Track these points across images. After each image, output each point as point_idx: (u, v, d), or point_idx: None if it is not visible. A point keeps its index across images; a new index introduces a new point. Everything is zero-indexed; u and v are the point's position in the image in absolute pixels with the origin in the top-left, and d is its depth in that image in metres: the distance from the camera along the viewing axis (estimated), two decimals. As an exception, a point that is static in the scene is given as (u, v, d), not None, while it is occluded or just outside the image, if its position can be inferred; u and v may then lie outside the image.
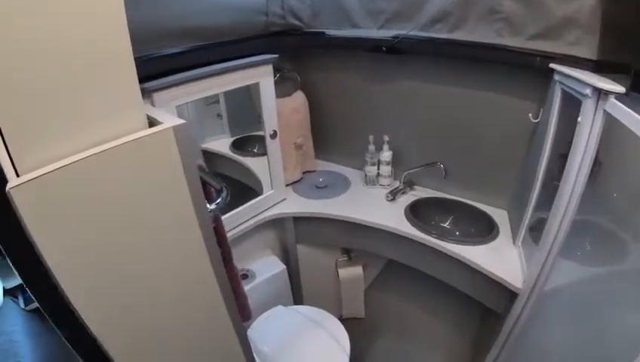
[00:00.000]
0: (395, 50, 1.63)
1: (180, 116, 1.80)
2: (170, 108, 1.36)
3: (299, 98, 1.96)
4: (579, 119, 1.09)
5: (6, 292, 1.18)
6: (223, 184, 0.97)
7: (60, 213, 0.62)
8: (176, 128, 0.75)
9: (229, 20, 1.56)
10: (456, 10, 1.43)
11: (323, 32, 1.80)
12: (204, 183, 1.01)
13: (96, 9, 0.64)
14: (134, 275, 0.76)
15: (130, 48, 0.69)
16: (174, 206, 0.79)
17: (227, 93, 1.92)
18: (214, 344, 1.05)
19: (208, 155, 2.03)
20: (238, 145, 2.06)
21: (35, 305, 1.15)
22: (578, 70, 1.16)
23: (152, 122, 0.76)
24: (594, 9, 1.16)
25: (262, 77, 1.63)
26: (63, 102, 0.63)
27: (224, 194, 0.95)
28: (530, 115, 1.46)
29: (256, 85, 1.64)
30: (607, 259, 1.10)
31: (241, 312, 1.39)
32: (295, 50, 1.95)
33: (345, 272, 2.07)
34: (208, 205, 0.89)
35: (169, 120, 0.77)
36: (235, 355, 1.14)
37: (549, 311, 1.28)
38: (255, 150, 2.02)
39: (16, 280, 1.18)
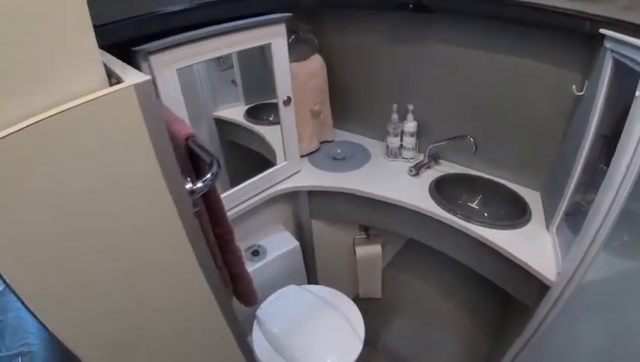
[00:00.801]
0: (423, 9, 1.44)
1: (191, 82, 1.72)
2: (171, 72, 1.24)
3: (316, 62, 1.80)
4: (637, 93, 0.91)
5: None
6: (215, 158, 0.84)
7: (7, 187, 0.52)
8: (138, 86, 0.61)
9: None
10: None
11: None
12: (194, 156, 0.90)
13: None
14: (94, 249, 0.66)
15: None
16: (139, 175, 0.67)
17: (242, 59, 1.80)
18: (198, 329, 0.95)
19: (221, 124, 1.92)
20: (253, 114, 1.94)
21: None
22: (631, 37, 0.97)
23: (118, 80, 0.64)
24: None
25: (274, 37, 1.47)
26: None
27: (214, 169, 0.83)
28: (573, 87, 1.27)
29: (269, 49, 1.49)
30: None
31: (244, 298, 1.30)
32: (312, 9, 1.77)
33: (362, 250, 1.95)
34: (191, 185, 0.78)
35: (132, 76, 0.64)
36: (226, 342, 1.05)
37: (584, 308, 1.15)
38: (270, 118, 1.89)
39: None
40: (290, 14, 1.47)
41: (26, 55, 0.54)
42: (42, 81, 0.56)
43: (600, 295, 1.11)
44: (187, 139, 0.86)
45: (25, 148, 0.53)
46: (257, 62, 1.76)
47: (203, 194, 0.88)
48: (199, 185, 0.80)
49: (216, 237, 1.07)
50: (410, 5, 1.45)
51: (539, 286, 1.29)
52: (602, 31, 1.09)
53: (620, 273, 1.07)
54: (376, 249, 1.96)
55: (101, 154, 0.61)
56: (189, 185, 0.78)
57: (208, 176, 0.82)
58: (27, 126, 0.52)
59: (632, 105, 0.93)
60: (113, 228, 0.66)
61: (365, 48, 1.80)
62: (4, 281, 0.55)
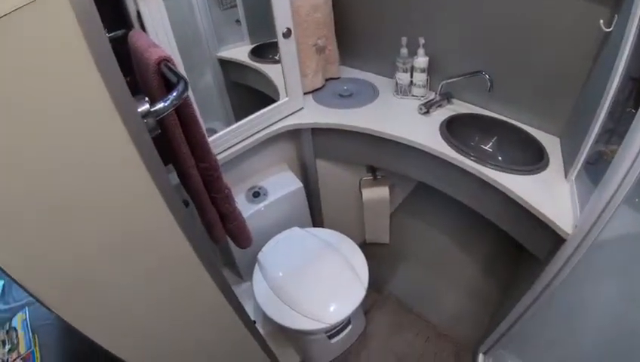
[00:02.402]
0: None
1: (192, 23, 1.64)
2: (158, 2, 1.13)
3: (319, -7, 1.65)
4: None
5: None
6: (184, 78, 0.76)
7: None
8: None
9: None
10: None
11: None
12: (163, 77, 0.82)
13: None
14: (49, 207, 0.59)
15: None
16: (77, 90, 0.57)
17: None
18: (188, 298, 0.91)
19: (225, 65, 1.85)
20: (258, 53, 1.84)
21: None
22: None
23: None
24: None
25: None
26: None
27: (180, 87, 0.74)
28: (601, 21, 1.13)
29: None
30: None
31: (237, 239, 1.26)
32: None
33: (369, 193, 1.89)
34: (148, 105, 0.70)
35: None
36: (220, 310, 1.02)
37: (600, 267, 1.08)
38: (276, 57, 1.78)
39: None
40: None
41: None
42: None
43: (619, 254, 1.04)
44: (159, 63, 0.78)
45: None
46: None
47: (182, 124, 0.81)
48: (159, 105, 0.72)
49: (200, 174, 1.01)
50: None
51: (553, 239, 1.21)
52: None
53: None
54: (383, 191, 1.89)
55: (34, 63, 0.52)
56: (145, 107, 0.69)
57: (171, 95, 0.74)
58: None
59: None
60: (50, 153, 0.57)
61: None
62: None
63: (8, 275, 0.56)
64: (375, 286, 1.51)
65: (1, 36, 0.47)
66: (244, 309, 1.11)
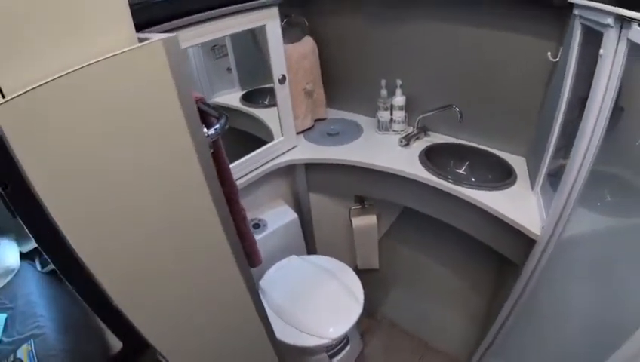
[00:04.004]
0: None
1: (188, 71, 1.81)
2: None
3: (308, 43, 1.88)
4: (600, 51, 1.00)
5: (23, 256, 1.20)
6: (223, 112, 0.94)
7: (46, 135, 0.59)
8: (166, 41, 0.71)
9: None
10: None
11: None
12: (203, 113, 0.98)
13: None
14: (126, 205, 0.74)
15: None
16: (166, 127, 0.76)
17: (236, 47, 1.90)
18: (218, 286, 1.04)
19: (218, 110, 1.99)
20: (249, 98, 2.03)
21: (51, 267, 1.16)
22: (596, 2, 1.06)
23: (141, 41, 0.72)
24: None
25: (267, 20, 1.56)
26: (44, 18, 0.59)
27: (223, 120, 0.93)
28: (549, 53, 1.36)
29: (263, 31, 1.58)
30: (627, 211, 1.03)
31: (250, 258, 1.39)
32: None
33: (358, 221, 2.05)
34: (206, 130, 0.87)
35: (158, 35, 0.73)
36: (243, 302, 1.14)
37: (568, 261, 1.23)
38: (266, 102, 1.98)
39: (33, 244, 1.20)
40: (283, -2, 1.55)
41: (76, 12, 0.63)
42: (91, 33, 0.65)
43: (586, 250, 1.17)
44: (197, 101, 0.95)
45: (69, 92, 0.60)
46: (251, 49, 1.85)
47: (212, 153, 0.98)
48: (211, 131, 0.90)
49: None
50: (396, -16, 1.54)
51: (526, 242, 1.38)
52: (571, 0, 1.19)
53: (601, 230, 1.14)
54: (371, 219, 2.05)
55: (133, 99, 0.69)
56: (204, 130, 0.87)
57: (218, 124, 0.92)
58: (74, 70, 0.60)
59: (597, 64, 1.02)
60: (138, 164, 0.74)
61: (354, 28, 1.88)
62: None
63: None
64: (368, 311, 1.62)
65: (120, 70, 0.66)
66: (262, 305, 1.23)
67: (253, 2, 1.47)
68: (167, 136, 0.77)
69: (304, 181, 1.94)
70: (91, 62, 0.62)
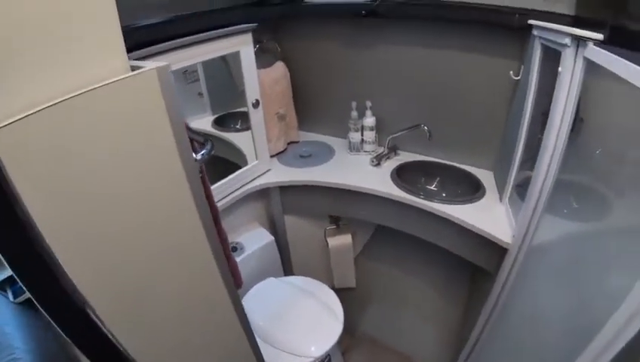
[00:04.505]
0: (375, 14, 1.61)
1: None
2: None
3: (279, 68, 1.94)
4: (559, 69, 1.09)
5: (-7, 287, 1.16)
6: (208, 138, 0.97)
7: (41, 160, 0.60)
8: (159, 70, 0.73)
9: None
10: (434, -29, 1.43)
11: (302, 0, 1.77)
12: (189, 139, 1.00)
13: None
14: (120, 229, 0.75)
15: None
16: (158, 153, 0.78)
17: (207, 71, 1.91)
18: (206, 308, 1.04)
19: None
20: (221, 123, 2.04)
21: (25, 296, 1.13)
22: (553, 24, 1.16)
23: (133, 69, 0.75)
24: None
25: (242, 46, 1.60)
26: (39, 45, 0.61)
27: (209, 146, 0.96)
28: (511, 72, 1.47)
29: (236, 56, 1.62)
30: (591, 216, 1.11)
31: (234, 278, 1.39)
32: (274, 20, 1.91)
33: (334, 241, 2.08)
34: (193, 155, 0.89)
35: (151, 64, 0.75)
36: (229, 322, 1.14)
37: (538, 267, 1.30)
38: (238, 126, 2.01)
39: (4, 273, 1.16)
40: (256, 24, 1.60)
41: (71, 40, 0.64)
42: (85, 62, 0.67)
43: (555, 255, 1.24)
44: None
45: (63, 119, 0.62)
46: (222, 74, 1.88)
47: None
48: (199, 156, 0.92)
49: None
50: (364, 12, 1.62)
51: (498, 251, 1.45)
52: (530, 21, 1.29)
53: (569, 235, 1.20)
54: (347, 239, 2.08)
55: (127, 125, 0.71)
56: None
57: (205, 150, 0.95)
58: (68, 98, 0.61)
59: (557, 81, 1.12)
60: (130, 188, 0.75)
61: (325, 53, 1.95)
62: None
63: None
64: (348, 329, 1.64)
65: (115, 98, 0.68)
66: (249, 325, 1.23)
67: (228, 29, 1.51)
68: (160, 162, 0.79)
69: (279, 203, 1.96)
70: (85, 90, 0.63)
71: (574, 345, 0.99)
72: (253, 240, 1.89)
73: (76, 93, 0.62)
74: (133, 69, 0.74)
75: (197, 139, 0.98)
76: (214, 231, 0.98)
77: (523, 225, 1.31)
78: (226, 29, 1.51)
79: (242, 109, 1.77)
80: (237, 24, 1.56)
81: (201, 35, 1.43)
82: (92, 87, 0.64)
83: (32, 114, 0.57)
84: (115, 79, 0.67)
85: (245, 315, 1.19)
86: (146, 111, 0.74)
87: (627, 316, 0.71)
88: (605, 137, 1.07)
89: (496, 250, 1.45)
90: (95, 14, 0.67)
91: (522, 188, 1.47)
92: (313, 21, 1.89)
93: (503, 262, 1.43)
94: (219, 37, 1.50)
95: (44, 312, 0.67)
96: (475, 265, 1.63)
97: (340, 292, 1.85)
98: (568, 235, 1.20)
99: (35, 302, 0.65)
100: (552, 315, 1.20)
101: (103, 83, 0.66)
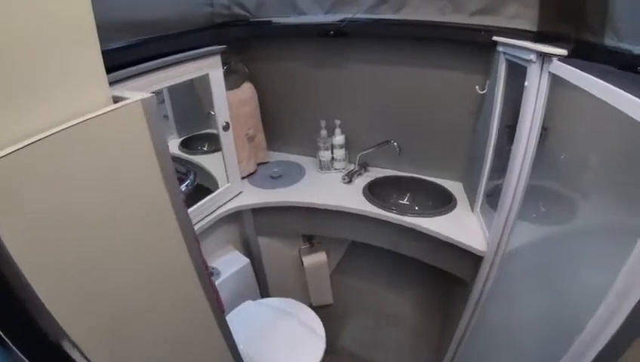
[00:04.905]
0: (343, 34, 1.65)
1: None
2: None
3: (247, 90, 1.93)
4: (526, 83, 1.16)
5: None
6: (190, 168, 0.95)
7: (23, 196, 0.57)
8: (144, 101, 0.72)
9: (175, 12, 1.51)
10: (400, -9, 1.48)
11: (269, 21, 1.79)
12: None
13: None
14: (104, 260, 0.72)
15: (91, 11, 0.66)
16: (145, 184, 0.76)
17: (172, 94, 1.88)
18: (194, 333, 1.02)
19: None
20: (187, 145, 2.00)
21: None
22: (518, 40, 1.23)
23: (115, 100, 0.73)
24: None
25: (211, 68, 1.59)
26: (16, 77, 0.59)
27: (191, 177, 0.94)
28: (477, 87, 1.54)
29: (203, 79, 1.60)
30: (559, 219, 1.17)
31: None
32: (241, 41, 1.91)
33: (309, 259, 2.07)
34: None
35: (135, 94, 0.74)
36: (218, 349, 1.11)
37: (514, 272, 1.35)
38: (205, 148, 1.98)
39: None
40: (225, 46, 1.60)
41: (52, 72, 0.63)
42: (67, 94, 0.65)
43: (528, 259, 1.29)
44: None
45: (48, 154, 0.59)
46: (187, 96, 1.86)
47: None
48: (183, 187, 0.91)
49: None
50: (332, 32, 1.65)
51: (474, 259, 1.50)
52: (495, 38, 1.36)
53: (540, 239, 1.26)
54: (321, 256, 2.08)
55: (112, 158, 0.69)
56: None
57: (188, 180, 0.93)
58: (54, 133, 0.60)
59: (523, 94, 1.18)
60: (117, 222, 0.73)
61: (292, 73, 1.97)
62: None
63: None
64: (328, 345, 1.64)
65: (100, 130, 0.67)
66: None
67: (197, 51, 1.50)
68: (146, 194, 0.77)
69: (252, 225, 1.94)
70: (68, 125, 0.62)
71: (552, 344, 1.04)
72: (228, 264, 1.85)
73: (59, 129, 0.60)
74: (115, 98, 0.73)
75: (179, 170, 0.96)
76: (201, 261, 0.96)
77: (497, 233, 1.36)
78: (194, 51, 1.49)
79: (209, 131, 1.74)
80: (205, 46, 1.55)
81: (170, 58, 1.41)
82: (75, 122, 0.62)
83: (13, 152, 0.54)
84: (99, 113, 0.66)
85: (234, 341, 1.16)
86: (131, 144, 0.72)
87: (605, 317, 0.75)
88: (569, 144, 1.14)
89: (472, 259, 1.50)
90: (75, 41, 0.66)
91: (492, 197, 1.53)
92: (280, 41, 1.91)
93: (479, 270, 1.48)
94: (188, 60, 1.48)
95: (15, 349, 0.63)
96: (450, 274, 1.67)
97: (317, 309, 1.84)
98: (539, 239, 1.26)
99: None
100: (529, 317, 1.25)
101: (86, 118, 0.64)
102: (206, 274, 0.98)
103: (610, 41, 1.10)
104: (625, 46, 1.06)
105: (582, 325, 0.82)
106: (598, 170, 1.01)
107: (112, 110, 0.68)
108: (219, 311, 1.11)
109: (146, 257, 0.80)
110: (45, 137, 0.58)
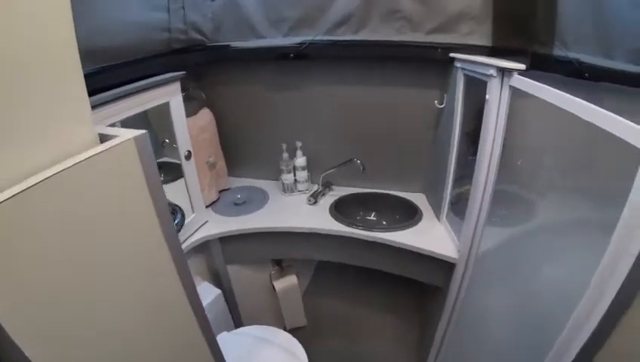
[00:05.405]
0: (303, 56, 1.67)
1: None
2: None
3: (205, 116, 1.90)
4: (487, 97, 1.23)
5: None
6: (177, 207, 0.93)
7: (11, 242, 0.53)
8: (137, 139, 0.70)
9: (132, 39, 1.46)
10: (359, 12, 1.54)
11: (227, 45, 1.78)
12: None
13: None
14: (101, 306, 0.69)
15: (76, 48, 0.64)
16: (139, 223, 0.75)
17: (125, 123, 1.79)
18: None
19: None
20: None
21: None
22: (477, 56, 1.31)
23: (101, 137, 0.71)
24: (484, 3, 1.35)
25: (171, 96, 1.54)
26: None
27: (180, 215, 0.92)
28: (435, 101, 1.61)
29: (160, 107, 1.53)
30: (525, 220, 1.24)
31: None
32: (198, 66, 1.88)
33: (280, 284, 2.04)
34: None
35: (124, 132, 0.72)
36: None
37: (486, 275, 1.40)
38: (161, 178, 1.90)
39: None
40: (184, 72, 1.56)
41: (35, 111, 0.59)
42: (54, 134, 0.62)
43: (496, 260, 1.36)
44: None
45: (44, 198, 0.56)
46: (138, 125, 1.78)
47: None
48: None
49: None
50: (292, 55, 1.67)
51: (446, 268, 1.55)
52: (452, 55, 1.44)
53: (510, 240, 1.32)
54: (292, 279, 2.05)
55: (106, 199, 0.67)
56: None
57: (177, 219, 0.90)
58: (47, 178, 0.56)
59: (485, 107, 1.25)
60: (113, 262, 0.70)
61: (251, 97, 1.96)
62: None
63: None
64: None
65: (92, 171, 0.64)
66: None
67: (159, 77, 1.46)
68: (141, 234, 0.76)
69: (220, 255, 1.88)
70: (63, 167, 0.59)
71: (527, 338, 1.11)
72: (200, 296, 1.77)
73: (49, 174, 0.57)
74: (101, 137, 0.70)
75: None
76: (196, 294, 0.92)
77: (467, 239, 1.42)
78: (155, 78, 1.44)
79: (165, 160, 1.69)
80: (163, 73, 1.51)
81: (130, 87, 1.35)
82: (66, 166, 0.59)
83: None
84: (91, 154, 0.63)
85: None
86: (125, 182, 0.70)
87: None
88: (528, 149, 1.22)
89: (445, 267, 1.55)
90: (60, 77, 0.63)
91: (457, 205, 1.60)
92: (238, 65, 1.89)
93: (452, 276, 1.53)
94: (149, 88, 1.43)
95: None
96: (422, 283, 1.71)
97: (292, 332, 1.81)
98: (507, 241, 1.33)
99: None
100: (504, 314, 1.30)
101: (78, 160, 0.61)
102: (200, 305, 0.94)
103: (558, 52, 1.21)
104: (572, 55, 1.17)
105: (559, 321, 0.87)
106: (555, 171, 1.09)
107: (106, 150, 0.64)
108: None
109: (144, 300, 0.78)
110: (35, 184, 0.54)
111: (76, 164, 0.59)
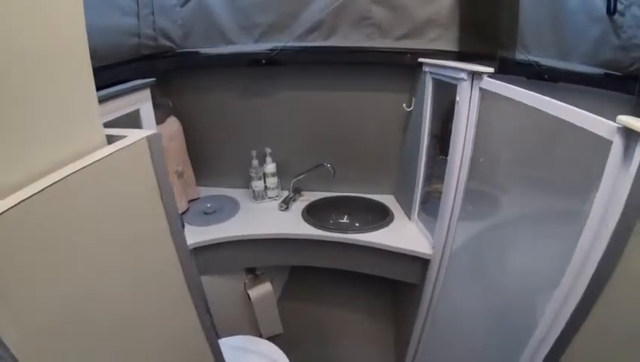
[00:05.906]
0: (274, 63, 1.68)
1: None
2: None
3: (173, 124, 1.86)
4: (457, 99, 1.29)
5: None
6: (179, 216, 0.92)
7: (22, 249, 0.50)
8: (150, 138, 0.69)
9: (101, 44, 1.40)
10: (329, 19, 1.58)
11: (197, 52, 1.76)
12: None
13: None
14: (111, 310, 0.67)
15: (87, 44, 0.63)
16: (148, 222, 0.74)
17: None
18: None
19: None
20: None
21: None
22: (447, 61, 1.38)
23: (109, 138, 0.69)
24: (451, 10, 1.43)
25: (142, 103, 1.51)
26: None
27: (180, 220, 0.91)
28: (404, 105, 1.67)
29: (128, 115, 1.48)
30: (492, 213, 1.31)
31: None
32: (167, 73, 1.84)
33: (255, 292, 2.01)
34: None
35: (134, 132, 0.70)
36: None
37: (460, 269, 1.45)
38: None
39: None
40: (154, 79, 1.53)
41: (46, 113, 0.58)
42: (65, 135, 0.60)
43: (469, 254, 1.41)
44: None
45: (60, 199, 0.54)
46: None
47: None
48: None
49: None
50: (263, 61, 1.68)
51: (420, 265, 1.60)
52: (420, 60, 1.51)
53: (474, 234, 1.39)
54: (267, 287, 2.03)
55: (119, 201, 0.66)
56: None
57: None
58: (62, 178, 0.54)
59: (455, 109, 1.31)
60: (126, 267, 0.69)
61: (219, 104, 1.95)
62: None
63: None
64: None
65: (105, 172, 0.63)
66: None
67: (131, 84, 1.42)
68: (151, 238, 0.75)
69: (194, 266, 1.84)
70: (76, 168, 0.57)
71: (501, 330, 1.18)
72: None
73: (63, 175, 0.54)
74: (108, 138, 0.68)
75: None
76: (203, 296, 0.91)
77: (441, 236, 1.48)
78: (126, 85, 1.40)
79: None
80: (132, 79, 1.47)
81: (102, 93, 1.31)
82: (81, 166, 0.57)
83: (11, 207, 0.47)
84: (104, 155, 0.62)
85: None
86: (137, 183, 0.69)
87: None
88: (494, 146, 1.28)
89: (419, 264, 1.61)
90: (75, 74, 0.62)
91: (427, 204, 1.67)
92: (207, 72, 1.87)
93: (428, 272, 1.58)
94: (120, 95, 1.38)
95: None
96: (398, 283, 1.75)
97: (269, 340, 1.79)
98: (480, 235, 1.38)
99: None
100: (478, 309, 1.35)
101: (91, 161, 0.59)
102: (205, 313, 0.93)
103: (520, 56, 1.30)
104: (533, 58, 1.26)
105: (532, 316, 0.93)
106: (522, 165, 1.16)
107: (119, 150, 0.63)
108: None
109: (155, 309, 0.76)
110: (49, 186, 0.52)
111: (93, 163, 0.58)
